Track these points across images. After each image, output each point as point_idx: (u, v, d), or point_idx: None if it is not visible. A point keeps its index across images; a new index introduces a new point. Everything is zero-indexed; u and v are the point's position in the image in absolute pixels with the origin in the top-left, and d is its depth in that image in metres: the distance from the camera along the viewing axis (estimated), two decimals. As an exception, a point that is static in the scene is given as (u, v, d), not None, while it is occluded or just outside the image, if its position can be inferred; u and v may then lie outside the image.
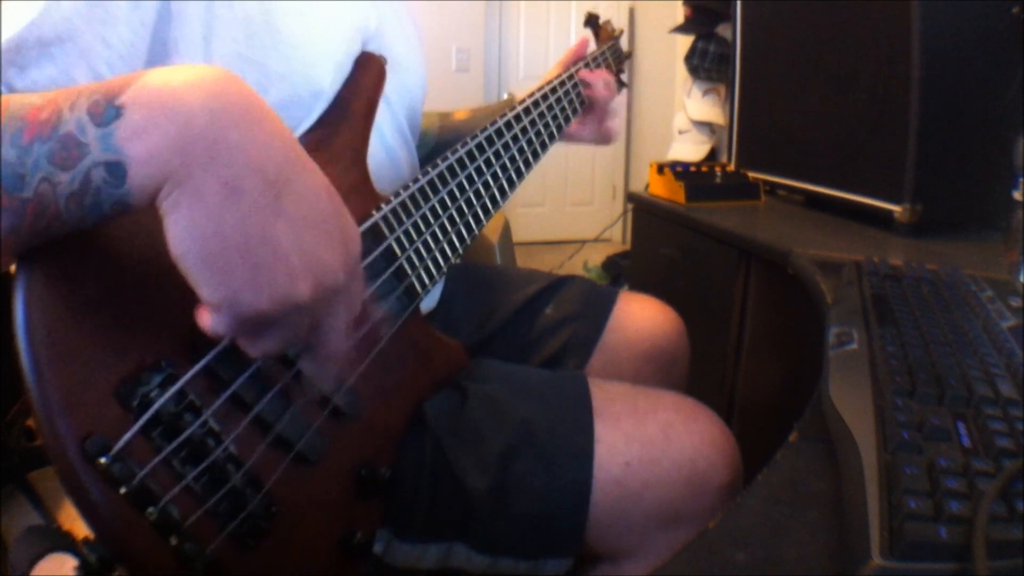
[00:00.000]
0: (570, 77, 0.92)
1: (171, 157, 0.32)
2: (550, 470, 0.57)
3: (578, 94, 0.93)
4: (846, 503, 0.37)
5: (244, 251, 0.33)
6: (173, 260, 0.33)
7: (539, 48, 4.15)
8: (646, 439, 0.59)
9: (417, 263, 0.60)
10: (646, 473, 0.58)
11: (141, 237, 0.41)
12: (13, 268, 0.37)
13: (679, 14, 2.49)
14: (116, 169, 0.32)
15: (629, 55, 1.15)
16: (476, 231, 0.68)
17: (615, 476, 0.57)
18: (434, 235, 0.62)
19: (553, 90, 0.86)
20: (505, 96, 4.44)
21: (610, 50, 1.06)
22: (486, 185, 0.70)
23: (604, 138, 0.96)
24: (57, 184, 0.33)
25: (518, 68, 4.14)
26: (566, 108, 0.90)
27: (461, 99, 4.20)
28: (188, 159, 0.32)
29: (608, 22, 1.12)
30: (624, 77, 1.18)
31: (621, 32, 1.14)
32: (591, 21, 1.11)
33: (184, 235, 0.33)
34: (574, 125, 0.94)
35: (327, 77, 0.59)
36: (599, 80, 0.92)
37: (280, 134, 0.36)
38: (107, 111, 0.33)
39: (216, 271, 0.33)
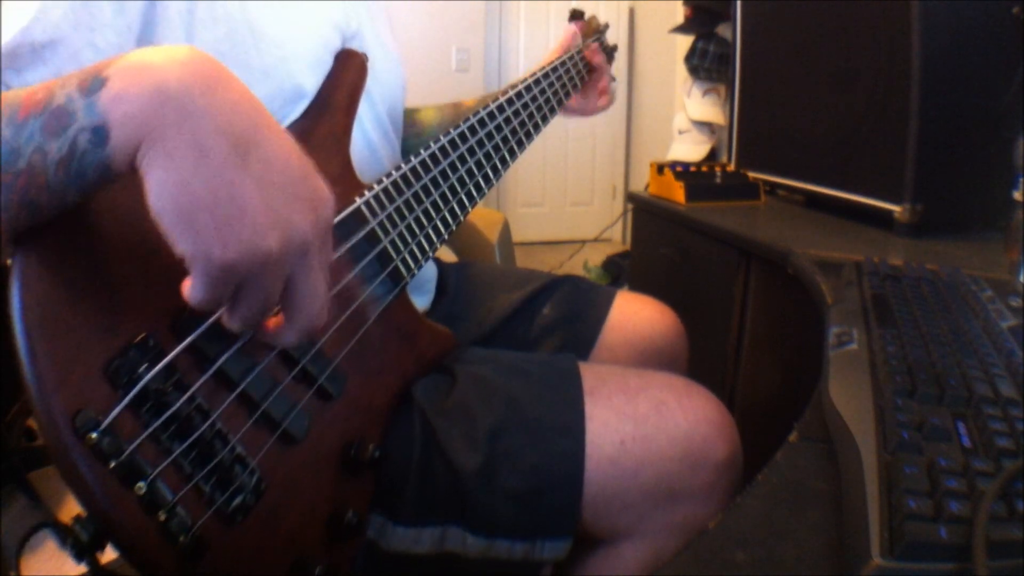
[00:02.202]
0: (563, 63, 0.92)
1: (147, 118, 0.35)
2: (540, 445, 0.57)
3: (570, 78, 0.94)
4: (846, 503, 0.37)
5: (212, 207, 0.35)
6: (153, 221, 0.35)
7: (539, 48, 4.14)
8: (639, 416, 0.59)
9: (402, 247, 0.61)
10: (640, 450, 0.58)
11: (130, 221, 0.42)
12: (8, 262, 0.38)
13: (679, 14, 2.50)
14: (99, 132, 0.35)
15: (615, 48, 1.15)
16: (462, 216, 0.69)
17: (609, 454, 0.57)
18: (418, 220, 0.63)
19: (546, 75, 0.87)
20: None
21: (596, 44, 1.06)
22: (470, 173, 0.71)
23: (602, 105, 1.02)
24: (47, 152, 0.36)
25: (518, 68, 4.13)
26: (559, 91, 0.91)
27: (461, 99, 4.17)
28: (161, 121, 0.35)
29: (593, 17, 1.12)
30: (612, 71, 1.18)
31: (606, 26, 1.14)
32: (576, 16, 1.11)
33: (159, 193, 0.35)
34: (574, 100, 0.99)
35: (307, 73, 0.61)
36: (597, 50, 1.00)
37: (248, 100, 0.39)
38: (93, 82, 0.36)
39: (187, 226, 0.35)
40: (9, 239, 0.38)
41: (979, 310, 0.62)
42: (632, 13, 4.01)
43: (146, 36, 0.52)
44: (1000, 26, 1.03)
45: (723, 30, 2.22)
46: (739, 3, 1.52)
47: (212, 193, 0.35)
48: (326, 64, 0.64)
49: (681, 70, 2.50)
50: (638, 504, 0.58)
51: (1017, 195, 0.89)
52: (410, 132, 0.91)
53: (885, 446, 0.39)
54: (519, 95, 0.82)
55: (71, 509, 0.38)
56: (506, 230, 1.91)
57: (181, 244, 0.36)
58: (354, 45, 0.68)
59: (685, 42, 2.40)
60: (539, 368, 0.65)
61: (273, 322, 0.43)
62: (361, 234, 0.57)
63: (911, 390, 0.45)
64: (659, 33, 3.30)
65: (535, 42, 4.13)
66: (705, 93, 2.33)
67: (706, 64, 2.23)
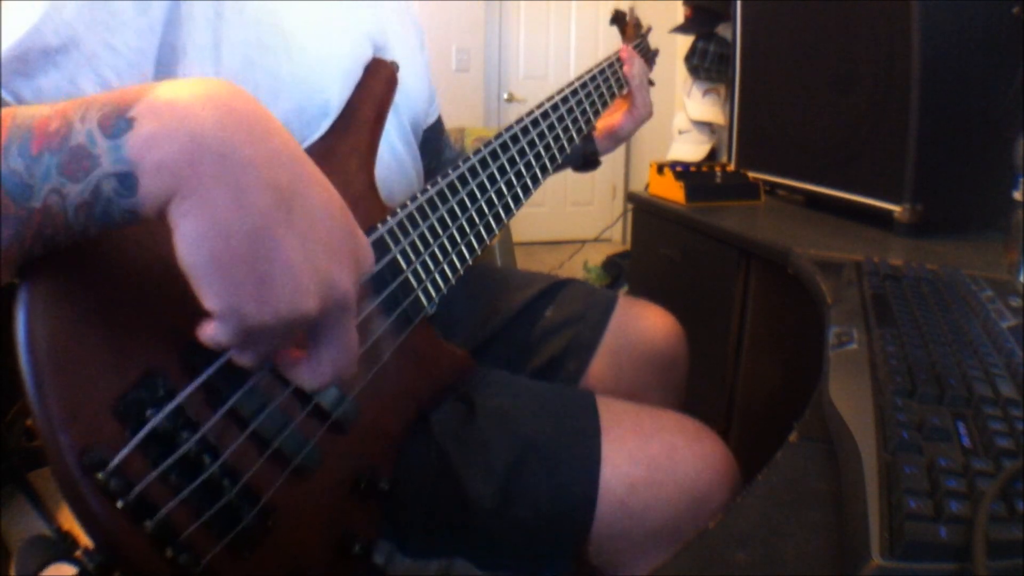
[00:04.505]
0: (592, 79, 0.90)
1: (181, 168, 0.32)
2: (555, 486, 0.57)
3: (601, 95, 0.92)
4: (846, 503, 0.37)
5: (251, 264, 0.33)
6: (182, 270, 0.33)
7: (539, 48, 4.14)
8: (651, 461, 0.59)
9: (424, 276, 0.59)
10: (649, 495, 0.58)
11: (142, 253, 0.41)
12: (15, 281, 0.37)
13: (679, 14, 2.49)
14: (127, 180, 0.32)
15: (656, 52, 1.13)
16: (487, 242, 0.66)
17: (619, 496, 0.58)
18: (442, 247, 0.61)
19: (574, 92, 0.85)
20: (505, 96, 4.37)
21: (637, 48, 1.05)
22: (499, 193, 0.68)
23: (640, 115, 1.01)
24: (66, 195, 0.33)
25: (518, 68, 4.13)
26: (587, 111, 0.87)
27: (461, 99, 4.19)
28: (199, 170, 0.32)
29: (636, 19, 1.10)
30: (651, 76, 1.16)
31: (649, 29, 1.12)
32: (618, 18, 1.09)
33: (193, 245, 0.33)
34: (617, 120, 0.98)
35: (336, 84, 0.59)
36: (635, 59, 0.98)
37: (291, 150, 0.36)
38: (118, 123, 0.33)
39: (223, 282, 0.33)
40: (19, 266, 0.36)
41: (979, 310, 0.62)
42: (632, 13, 4.00)
43: (168, 38, 0.49)
44: (1000, 26, 1.03)
45: (723, 30, 2.21)
46: (739, 3, 1.52)
47: (252, 249, 0.33)
48: (355, 74, 0.62)
49: (681, 70, 2.50)
50: (641, 543, 0.58)
51: (1017, 195, 0.89)
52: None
53: (885, 446, 0.39)
54: (555, 107, 0.79)
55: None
56: (506, 230, 1.90)
57: (213, 299, 0.34)
58: (383, 55, 0.66)
59: (685, 42, 2.40)
60: (559, 404, 0.64)
61: (296, 354, 0.40)
62: (383, 263, 0.55)
63: (911, 390, 0.45)
64: (659, 33, 3.29)
65: (535, 42, 4.13)
66: (705, 93, 2.32)
67: (706, 64, 2.23)
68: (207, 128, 0.33)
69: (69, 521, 0.39)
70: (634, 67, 0.98)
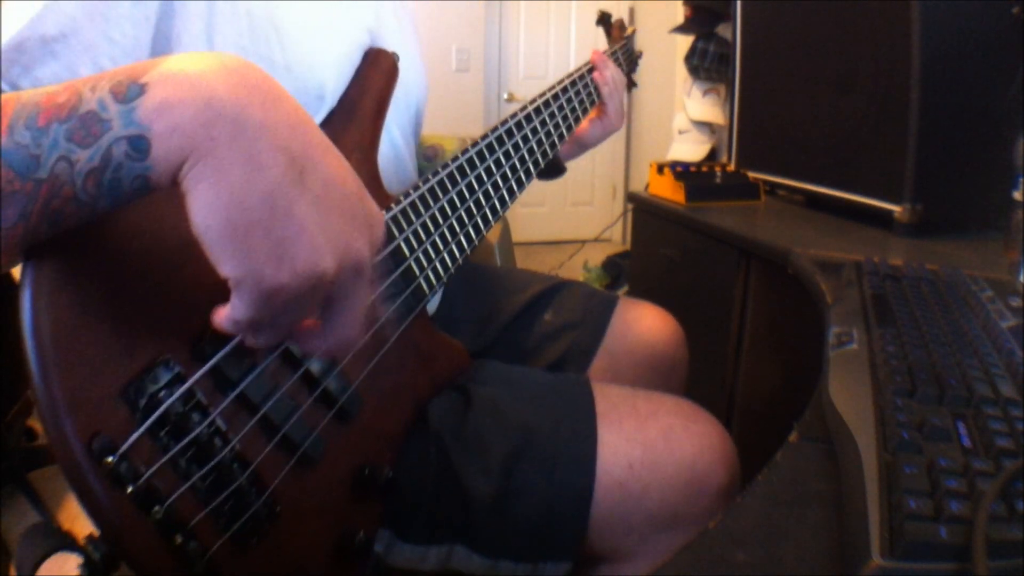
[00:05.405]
0: (581, 77, 0.91)
1: (195, 132, 0.32)
2: (553, 475, 0.57)
3: (588, 94, 0.92)
4: (846, 503, 0.37)
5: (267, 226, 0.33)
6: (195, 236, 0.33)
7: (539, 48, 4.14)
8: (648, 442, 0.60)
9: (425, 264, 0.60)
10: (647, 475, 0.58)
11: (150, 240, 0.41)
12: (16, 272, 0.37)
13: (679, 14, 2.49)
14: (139, 143, 0.32)
15: (640, 55, 1.14)
16: (485, 231, 0.68)
17: (617, 478, 0.58)
18: (443, 236, 0.62)
19: (564, 90, 0.86)
20: (505, 96, 4.38)
21: (622, 50, 1.05)
22: (495, 186, 0.70)
23: (611, 124, 0.96)
24: (75, 162, 0.33)
25: (518, 68, 4.13)
26: (576, 108, 0.89)
27: (461, 99, 4.19)
28: (212, 134, 0.32)
29: (620, 20, 1.11)
30: (635, 78, 1.17)
31: (634, 31, 1.13)
32: (603, 20, 1.10)
33: (207, 210, 0.33)
34: (583, 126, 0.94)
35: (332, 69, 0.60)
36: (608, 65, 0.95)
37: (301, 117, 0.37)
38: (130, 89, 0.33)
39: (239, 246, 0.33)
40: (23, 249, 0.36)
41: (979, 310, 0.62)
42: (632, 13, 4.01)
43: (163, 28, 0.50)
44: (1000, 26, 1.03)
45: (723, 30, 2.22)
46: (739, 3, 1.52)
47: (268, 211, 0.33)
48: (352, 59, 0.62)
49: (681, 70, 2.50)
50: (641, 527, 0.59)
51: (1017, 195, 0.89)
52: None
53: (885, 446, 0.39)
54: (546, 103, 0.81)
55: (71, 510, 0.38)
56: (506, 230, 1.90)
57: (229, 264, 0.33)
58: (378, 45, 0.67)
59: (685, 42, 2.40)
60: (554, 393, 0.64)
61: (308, 324, 0.40)
62: (387, 251, 0.56)
63: (911, 390, 0.45)
64: (659, 33, 3.30)
65: (535, 42, 4.13)
66: (705, 93, 2.32)
67: (706, 64, 2.23)
68: (220, 94, 0.33)
69: (69, 521, 0.39)
70: (606, 73, 0.94)
